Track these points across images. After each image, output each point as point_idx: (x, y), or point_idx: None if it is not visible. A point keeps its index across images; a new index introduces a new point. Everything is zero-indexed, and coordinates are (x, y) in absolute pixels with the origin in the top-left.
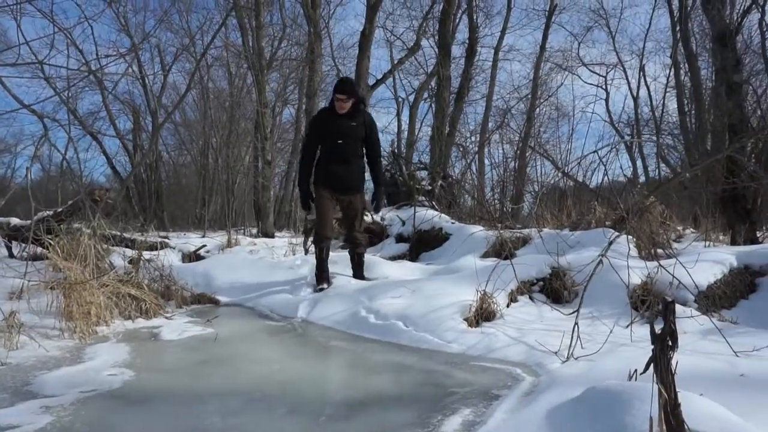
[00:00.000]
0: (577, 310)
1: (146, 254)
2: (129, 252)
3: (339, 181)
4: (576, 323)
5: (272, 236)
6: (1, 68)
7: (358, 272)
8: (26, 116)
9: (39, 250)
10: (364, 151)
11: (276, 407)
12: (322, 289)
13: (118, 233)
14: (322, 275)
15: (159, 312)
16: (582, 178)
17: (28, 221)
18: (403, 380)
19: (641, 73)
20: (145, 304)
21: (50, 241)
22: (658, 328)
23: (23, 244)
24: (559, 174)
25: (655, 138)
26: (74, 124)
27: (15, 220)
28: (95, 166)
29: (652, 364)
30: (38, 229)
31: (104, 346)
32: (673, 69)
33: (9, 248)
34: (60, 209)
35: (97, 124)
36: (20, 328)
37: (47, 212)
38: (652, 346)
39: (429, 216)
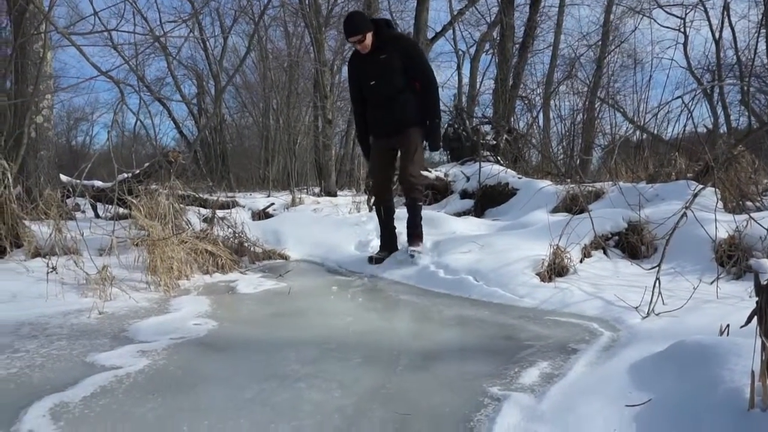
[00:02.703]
0: (659, 265)
1: (219, 212)
2: (203, 211)
3: (381, 125)
4: (657, 278)
5: (335, 195)
6: (76, 38)
7: (411, 224)
8: (101, 84)
9: (121, 210)
10: (410, 82)
11: (351, 356)
12: (378, 261)
13: (192, 193)
14: (384, 241)
15: (234, 267)
16: (657, 129)
17: (110, 183)
18: (476, 333)
19: (725, 13)
20: (221, 260)
21: (132, 201)
22: (764, 278)
23: (108, 205)
24: (633, 126)
25: (742, 82)
26: (143, 90)
27: (98, 183)
28: (165, 131)
29: (755, 317)
30: (121, 190)
31: (187, 298)
32: (765, 6)
33: (95, 209)
34: (138, 171)
35: (164, 90)
36: (112, 281)
37: (127, 174)
38: (756, 298)
39: (494, 171)
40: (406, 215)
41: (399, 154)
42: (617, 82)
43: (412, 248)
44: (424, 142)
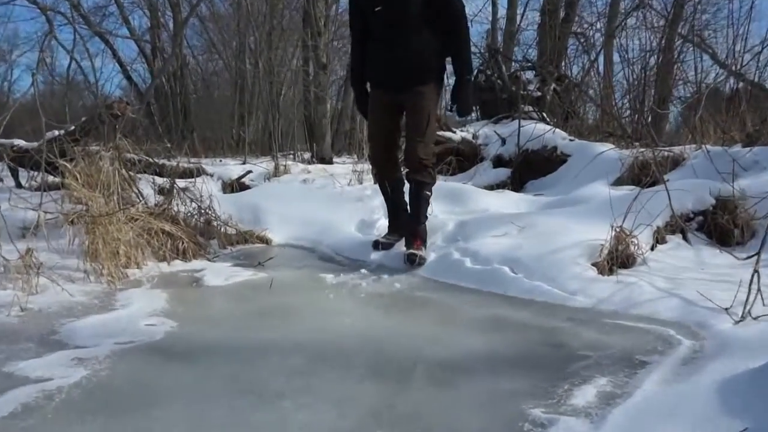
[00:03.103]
0: (758, 253)
1: (180, 182)
2: (159, 180)
3: (384, 71)
4: (756, 270)
5: (330, 162)
6: None
7: (413, 218)
8: (21, 11)
9: (51, 178)
10: (430, 15)
11: (351, 367)
12: (386, 247)
13: (145, 158)
14: (393, 222)
15: (199, 253)
16: (759, 76)
17: (36, 143)
18: (513, 340)
19: None
20: (183, 243)
21: (66, 165)
22: None
23: (33, 171)
24: (725, 72)
25: None
26: (79, 21)
27: (20, 142)
28: (108, 76)
29: None
30: (50, 152)
31: (138, 291)
32: None
33: (15, 175)
34: (73, 127)
35: (106, 22)
36: (39, 268)
37: (59, 131)
38: None
39: (538, 131)
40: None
41: (405, 118)
42: (705, 12)
43: (411, 251)
44: (449, 104)
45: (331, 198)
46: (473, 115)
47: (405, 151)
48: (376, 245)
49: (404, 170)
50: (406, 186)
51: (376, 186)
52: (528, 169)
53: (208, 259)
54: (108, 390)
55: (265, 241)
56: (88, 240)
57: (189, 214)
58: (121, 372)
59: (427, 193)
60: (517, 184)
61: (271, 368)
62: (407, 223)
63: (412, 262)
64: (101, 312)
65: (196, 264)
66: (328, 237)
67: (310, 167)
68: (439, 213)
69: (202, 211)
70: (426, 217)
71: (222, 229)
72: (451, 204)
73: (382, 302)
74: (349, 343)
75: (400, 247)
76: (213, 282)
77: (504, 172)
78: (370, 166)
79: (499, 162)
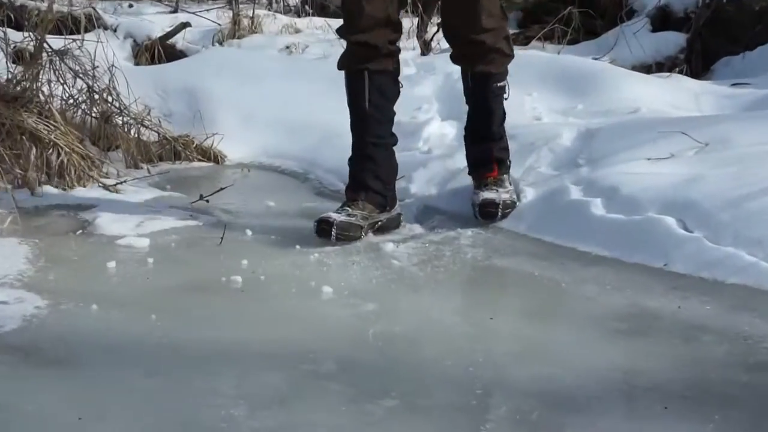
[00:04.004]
0: None
1: (53, 40)
2: (15, 36)
3: None
4: None
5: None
6: None
7: (483, 135)
8: None
9: None
10: None
11: (368, 392)
12: (342, 232)
13: None
14: (357, 175)
15: (89, 174)
16: None
17: None
18: (683, 357)
19: None
20: (59, 156)
21: None
22: None
23: None
24: None
25: None
26: None
27: None
28: None
29: None
30: None
31: None
32: None
33: None
34: None
35: None
36: None
37: None
38: None
39: None
40: (465, 111)
41: None
42: None
43: (486, 195)
44: None
45: (339, 81)
46: None
47: (446, 13)
48: (322, 229)
49: (451, 53)
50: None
51: (427, 59)
52: (720, 34)
53: (105, 187)
54: None
55: (214, 157)
56: None
57: (71, 101)
58: None
59: (500, 85)
60: (698, 62)
61: (222, 389)
62: (470, 146)
63: (490, 214)
64: None
65: (84, 194)
66: (330, 154)
67: (299, 21)
68: (545, 113)
69: (96, 96)
70: (504, 130)
71: (133, 132)
72: (568, 97)
73: (430, 281)
74: (364, 349)
75: (410, 212)
76: (113, 230)
77: (673, 40)
78: (342, 31)
79: (663, 20)
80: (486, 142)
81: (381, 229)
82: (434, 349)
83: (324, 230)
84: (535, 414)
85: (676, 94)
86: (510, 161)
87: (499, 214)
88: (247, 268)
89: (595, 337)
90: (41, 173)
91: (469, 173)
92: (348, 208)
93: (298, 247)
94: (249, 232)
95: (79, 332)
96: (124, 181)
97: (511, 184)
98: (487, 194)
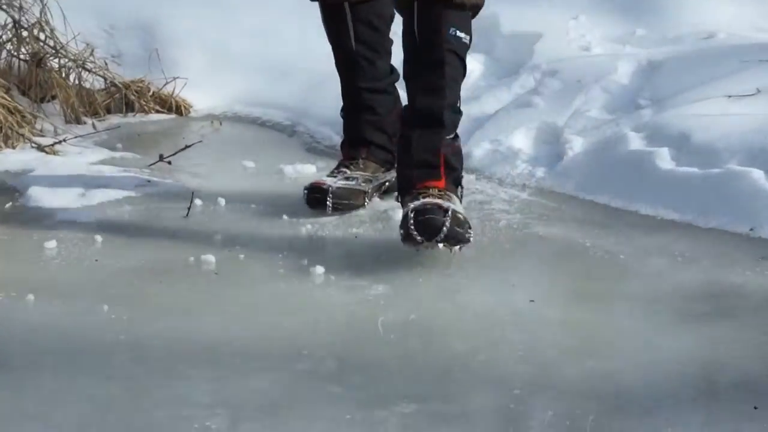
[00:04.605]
0: None
1: None
2: None
3: None
4: None
5: None
6: None
7: (420, 120)
8: None
9: None
10: None
11: (367, 393)
12: (338, 200)
13: None
14: (352, 124)
15: (19, 132)
16: None
17: None
18: None
19: None
20: None
21: None
22: None
23: None
24: None
25: None
26: None
27: None
28: None
29: None
30: None
31: None
32: None
33: None
34: None
35: None
36: None
37: None
38: None
39: None
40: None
41: None
42: None
43: (425, 200)
44: None
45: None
46: None
47: None
48: (314, 198)
49: None
50: None
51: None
52: None
53: (40, 147)
54: None
55: (176, 107)
56: None
57: None
58: None
59: (460, 35)
60: None
61: (190, 403)
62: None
63: (429, 224)
64: None
65: (13, 157)
66: (324, 101)
67: None
68: (595, 41)
69: (24, 33)
70: (458, 118)
71: (72, 78)
72: (625, 20)
73: (454, 256)
74: (375, 355)
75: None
76: (51, 201)
77: None
78: None
79: None
80: (430, 130)
81: (388, 192)
82: (461, 341)
83: (317, 199)
84: (590, 419)
85: (763, 13)
86: (463, 176)
87: (446, 226)
88: (222, 245)
89: (665, 323)
90: None
91: (398, 188)
92: (346, 170)
93: (285, 217)
94: (222, 201)
95: (13, 329)
96: (64, 140)
97: (463, 208)
98: (428, 200)
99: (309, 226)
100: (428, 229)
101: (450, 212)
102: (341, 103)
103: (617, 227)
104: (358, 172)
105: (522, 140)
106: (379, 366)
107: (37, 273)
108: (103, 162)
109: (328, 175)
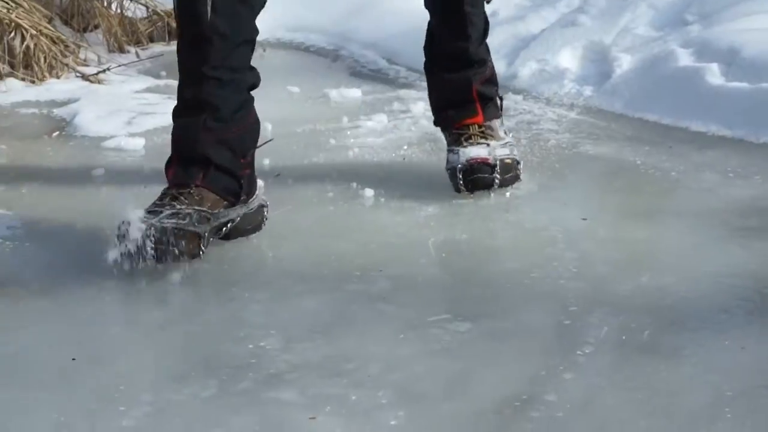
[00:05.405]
0: None
1: None
2: None
3: None
4: None
5: None
6: None
7: (450, 61)
8: None
9: None
10: None
11: (420, 313)
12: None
13: None
14: (179, 138)
15: (63, 62)
16: None
17: None
18: None
19: None
20: (24, 40)
21: None
22: None
23: None
24: None
25: None
26: None
27: None
28: None
29: None
30: None
31: None
32: None
33: None
34: None
35: None
36: None
37: None
38: None
39: None
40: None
41: None
42: None
43: (470, 151)
44: None
45: None
46: None
47: None
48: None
49: None
50: None
51: None
52: None
53: (84, 77)
54: None
55: None
56: None
57: None
58: None
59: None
60: None
61: (244, 325)
62: (434, 78)
63: (481, 182)
64: None
65: (58, 87)
66: (367, 24)
67: None
68: None
69: None
70: (487, 50)
71: (114, 7)
72: None
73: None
74: (428, 273)
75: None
76: (98, 129)
77: None
78: None
79: None
80: (460, 70)
81: (231, 237)
82: (513, 259)
83: (135, 243)
84: (645, 333)
85: None
86: (501, 98)
87: (497, 180)
88: (269, 169)
89: (717, 238)
90: (2, 63)
91: (436, 123)
92: (174, 202)
93: (332, 141)
94: (269, 126)
95: (64, 256)
96: (108, 69)
97: (507, 133)
98: (473, 150)
99: (357, 149)
100: (479, 187)
101: (498, 165)
102: (384, 28)
103: (667, 144)
104: (191, 208)
105: (569, 59)
106: (431, 285)
107: (85, 201)
108: (147, 90)
109: (148, 210)
